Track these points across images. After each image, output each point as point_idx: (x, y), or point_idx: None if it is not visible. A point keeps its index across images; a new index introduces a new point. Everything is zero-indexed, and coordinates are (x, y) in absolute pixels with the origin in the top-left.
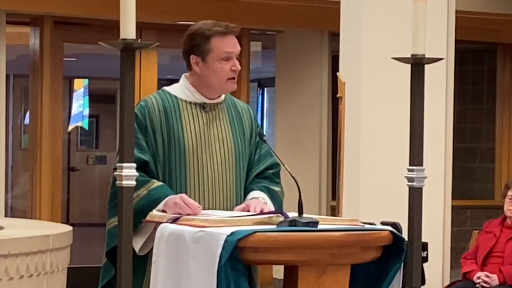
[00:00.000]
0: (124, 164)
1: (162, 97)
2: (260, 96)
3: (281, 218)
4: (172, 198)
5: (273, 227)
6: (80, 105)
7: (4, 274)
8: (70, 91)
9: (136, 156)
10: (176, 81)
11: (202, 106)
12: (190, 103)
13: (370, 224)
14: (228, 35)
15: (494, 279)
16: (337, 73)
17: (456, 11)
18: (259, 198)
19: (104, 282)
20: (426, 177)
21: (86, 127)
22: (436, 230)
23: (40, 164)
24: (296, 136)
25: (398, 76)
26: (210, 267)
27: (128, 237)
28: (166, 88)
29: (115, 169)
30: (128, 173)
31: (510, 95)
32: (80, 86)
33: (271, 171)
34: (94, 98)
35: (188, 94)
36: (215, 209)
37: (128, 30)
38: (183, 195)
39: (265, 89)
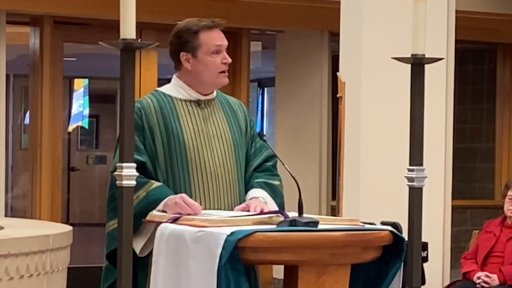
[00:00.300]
0: (124, 164)
1: (156, 97)
2: (260, 96)
3: (281, 218)
4: (172, 198)
5: (273, 227)
6: (80, 105)
7: (4, 274)
8: (70, 91)
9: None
10: None
11: (197, 103)
12: (185, 101)
13: (370, 224)
14: (214, 29)
15: (494, 279)
16: (337, 73)
17: (456, 11)
18: (259, 198)
19: (106, 286)
20: (426, 177)
21: (86, 127)
22: (436, 230)
23: (40, 164)
24: (296, 136)
25: (398, 76)
26: (210, 267)
27: (128, 238)
28: (159, 88)
29: (113, 171)
30: (128, 173)
31: (510, 95)
32: (80, 86)
33: (268, 163)
34: (94, 98)
35: (182, 92)
36: (220, 203)
37: (128, 30)
38: (183, 195)
39: (265, 89)
